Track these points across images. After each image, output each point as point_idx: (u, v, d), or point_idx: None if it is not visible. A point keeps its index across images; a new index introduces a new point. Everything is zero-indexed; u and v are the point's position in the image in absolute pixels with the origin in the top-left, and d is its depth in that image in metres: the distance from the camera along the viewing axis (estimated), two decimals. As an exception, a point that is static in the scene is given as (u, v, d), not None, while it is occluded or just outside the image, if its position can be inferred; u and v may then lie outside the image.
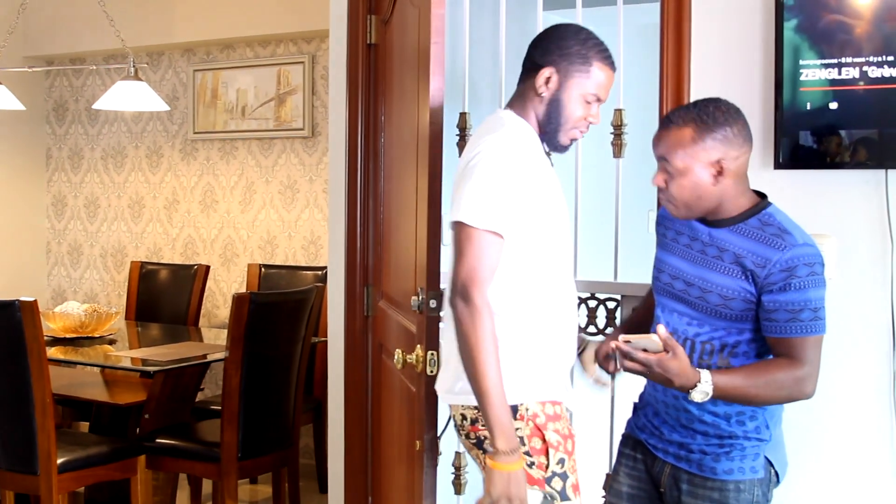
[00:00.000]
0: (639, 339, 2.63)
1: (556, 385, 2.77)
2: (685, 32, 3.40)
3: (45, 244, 7.92)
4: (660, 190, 2.80)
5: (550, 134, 2.83)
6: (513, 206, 2.66)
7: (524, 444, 2.66)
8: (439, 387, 2.83)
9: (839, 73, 3.13)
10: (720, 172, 2.69)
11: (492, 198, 2.63)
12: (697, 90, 3.38)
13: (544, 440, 2.70)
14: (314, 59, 6.43)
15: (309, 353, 5.22)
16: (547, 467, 2.69)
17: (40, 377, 4.45)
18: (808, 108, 3.18)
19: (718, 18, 3.36)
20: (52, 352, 5.18)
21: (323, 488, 5.83)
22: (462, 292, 2.59)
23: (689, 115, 2.72)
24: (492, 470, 2.57)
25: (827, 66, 3.14)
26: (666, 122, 2.77)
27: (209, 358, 5.17)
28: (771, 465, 2.78)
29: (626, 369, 2.68)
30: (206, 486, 5.58)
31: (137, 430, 4.98)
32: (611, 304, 3.66)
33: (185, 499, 5.58)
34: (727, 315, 2.72)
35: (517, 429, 2.64)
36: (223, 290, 6.83)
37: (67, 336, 5.51)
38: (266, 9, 6.28)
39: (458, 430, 2.80)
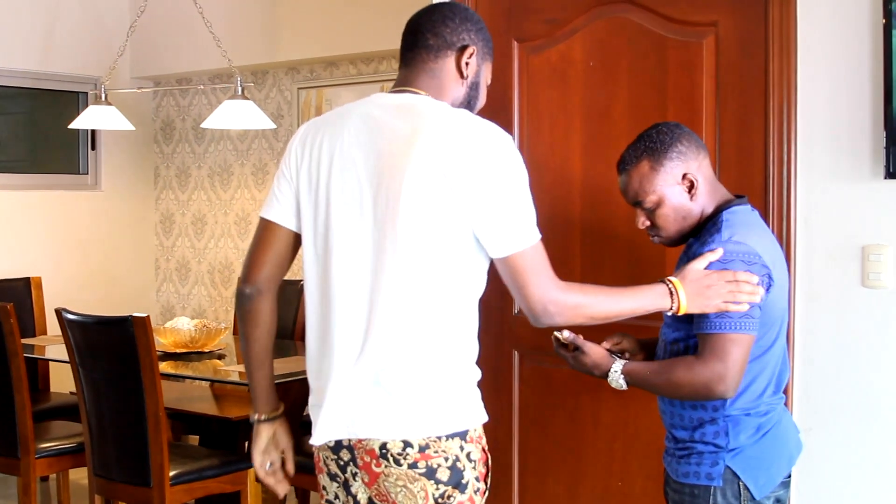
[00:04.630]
0: (564, 336, 2.82)
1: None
2: (791, 43, 3.37)
3: (154, 261, 8.07)
4: (648, 230, 2.88)
5: None
6: None
7: (475, 469, 2.54)
8: (356, 424, 2.54)
9: (952, 81, 3.08)
10: (692, 186, 2.79)
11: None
12: (804, 101, 3.35)
13: (486, 463, 2.60)
14: (416, 75, 6.46)
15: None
16: (485, 493, 2.60)
17: (153, 391, 4.53)
18: (920, 116, 3.13)
19: (825, 28, 3.32)
20: (163, 366, 5.26)
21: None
22: (551, 301, 2.47)
23: (637, 152, 2.81)
24: (681, 291, 2.64)
25: (939, 73, 3.09)
26: (620, 169, 2.85)
27: (316, 372, 5.20)
28: (737, 477, 2.73)
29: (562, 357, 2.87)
30: (314, 498, 5.63)
31: (246, 443, 5.05)
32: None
33: (292, 511, 5.65)
34: (683, 317, 2.73)
35: (469, 452, 2.52)
36: (328, 304, 6.87)
37: (178, 351, 5.60)
38: (368, 26, 6.33)
39: (385, 465, 2.52)
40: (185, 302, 7.86)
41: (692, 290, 2.63)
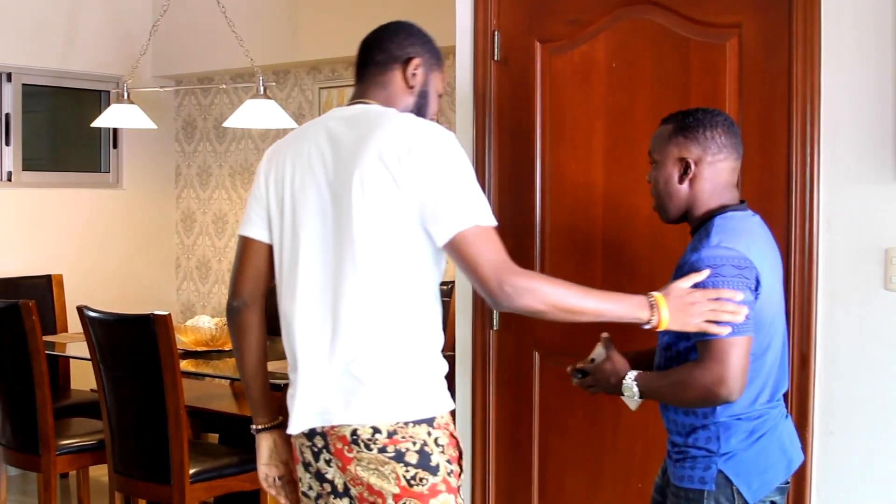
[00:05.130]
0: (593, 356, 2.89)
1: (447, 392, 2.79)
2: (815, 45, 3.36)
3: (175, 259, 8.09)
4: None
5: None
6: None
7: (444, 453, 2.67)
8: (328, 413, 2.69)
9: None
10: (686, 172, 2.80)
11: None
12: (828, 104, 3.34)
13: (457, 447, 2.73)
14: (438, 75, 6.47)
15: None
16: (460, 475, 2.73)
17: (174, 389, 4.55)
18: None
19: (848, 30, 3.32)
20: (184, 364, 5.27)
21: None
22: (506, 280, 2.56)
23: (676, 116, 2.87)
24: (663, 307, 2.65)
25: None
26: (661, 122, 2.91)
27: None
28: (730, 481, 2.74)
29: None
30: None
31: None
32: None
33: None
34: None
35: (436, 438, 2.66)
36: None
37: (198, 349, 5.62)
38: (390, 26, 6.33)
39: (357, 451, 2.66)
40: (205, 300, 7.88)
41: (675, 306, 2.66)
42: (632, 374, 2.79)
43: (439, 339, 2.74)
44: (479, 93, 4.06)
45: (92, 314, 4.77)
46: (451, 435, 2.71)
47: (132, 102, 6.31)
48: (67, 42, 7.26)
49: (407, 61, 2.81)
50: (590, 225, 3.78)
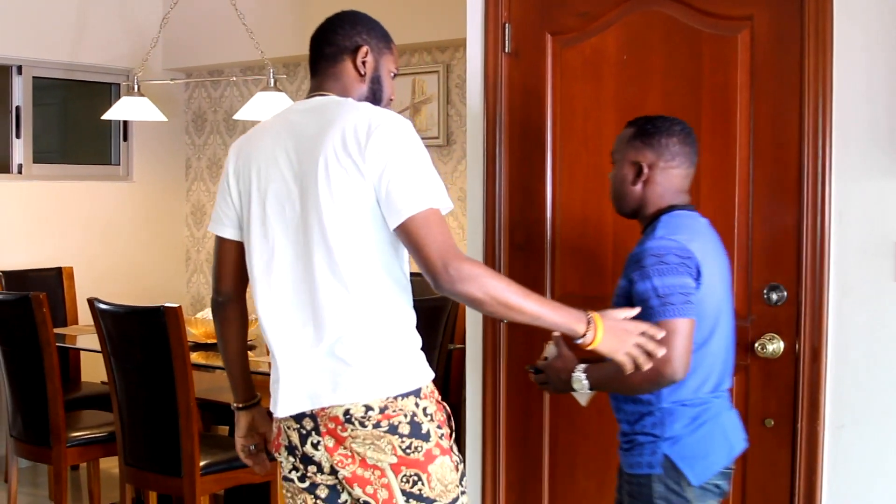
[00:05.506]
0: (545, 354, 3.06)
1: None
2: (828, 37, 3.35)
3: (185, 252, 8.10)
4: None
5: None
6: None
7: (433, 420, 2.78)
8: (318, 396, 2.78)
9: None
10: (639, 174, 2.98)
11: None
12: (840, 96, 3.34)
13: (444, 411, 2.85)
14: (449, 68, 6.47)
15: (446, 359, 5.25)
16: (451, 435, 2.85)
17: (184, 381, 4.56)
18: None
19: (861, 22, 3.31)
20: (194, 357, 5.29)
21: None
22: (451, 263, 2.62)
23: (639, 121, 3.04)
24: (599, 326, 2.70)
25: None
26: (626, 125, 3.08)
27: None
28: (675, 465, 2.89)
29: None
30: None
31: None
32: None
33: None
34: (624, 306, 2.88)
35: (425, 407, 2.77)
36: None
37: (209, 342, 5.62)
38: (400, 19, 6.32)
39: (352, 429, 2.75)
40: (215, 293, 7.88)
41: (609, 328, 2.72)
42: (581, 366, 2.94)
43: (412, 315, 2.85)
44: (490, 85, 4.06)
45: (103, 306, 4.78)
46: (438, 402, 2.84)
47: (142, 95, 6.32)
48: (78, 35, 7.26)
49: (355, 50, 2.90)
50: (601, 218, 3.78)
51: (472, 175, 4.13)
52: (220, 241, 2.99)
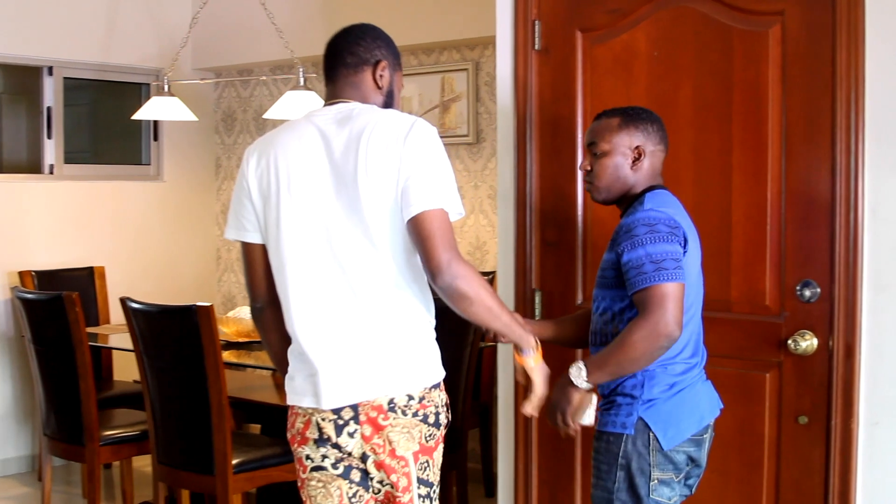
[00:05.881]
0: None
1: None
2: (860, 31, 3.33)
3: (216, 251, 8.13)
4: (585, 175, 3.22)
5: None
6: None
7: (447, 410, 2.99)
8: (363, 387, 2.89)
9: None
10: (639, 158, 3.12)
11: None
12: (873, 91, 3.32)
13: (447, 404, 3.01)
14: (478, 65, 6.47)
15: (477, 357, 5.24)
16: (447, 424, 3.02)
17: (216, 380, 4.57)
18: None
19: (893, 15, 3.29)
20: (226, 355, 5.30)
21: (489, 492, 5.87)
22: (454, 260, 2.77)
23: (617, 110, 3.18)
24: (534, 368, 3.01)
25: None
26: (597, 116, 3.22)
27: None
28: (648, 427, 3.02)
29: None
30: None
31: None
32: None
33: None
34: (607, 284, 3.09)
35: (443, 398, 2.98)
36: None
37: (240, 340, 5.64)
38: (429, 17, 6.33)
39: (394, 417, 2.88)
40: (246, 292, 7.89)
41: (542, 369, 3.04)
42: (579, 363, 3.05)
43: (433, 307, 2.98)
44: (521, 83, 4.05)
45: (135, 306, 4.80)
46: (446, 392, 3.04)
47: (172, 95, 6.33)
48: (108, 35, 7.30)
49: (376, 64, 3.01)
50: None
51: (503, 173, 4.13)
52: (247, 247, 3.05)
